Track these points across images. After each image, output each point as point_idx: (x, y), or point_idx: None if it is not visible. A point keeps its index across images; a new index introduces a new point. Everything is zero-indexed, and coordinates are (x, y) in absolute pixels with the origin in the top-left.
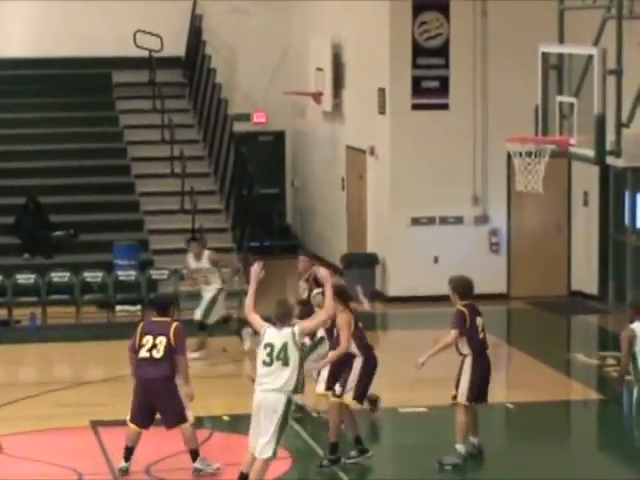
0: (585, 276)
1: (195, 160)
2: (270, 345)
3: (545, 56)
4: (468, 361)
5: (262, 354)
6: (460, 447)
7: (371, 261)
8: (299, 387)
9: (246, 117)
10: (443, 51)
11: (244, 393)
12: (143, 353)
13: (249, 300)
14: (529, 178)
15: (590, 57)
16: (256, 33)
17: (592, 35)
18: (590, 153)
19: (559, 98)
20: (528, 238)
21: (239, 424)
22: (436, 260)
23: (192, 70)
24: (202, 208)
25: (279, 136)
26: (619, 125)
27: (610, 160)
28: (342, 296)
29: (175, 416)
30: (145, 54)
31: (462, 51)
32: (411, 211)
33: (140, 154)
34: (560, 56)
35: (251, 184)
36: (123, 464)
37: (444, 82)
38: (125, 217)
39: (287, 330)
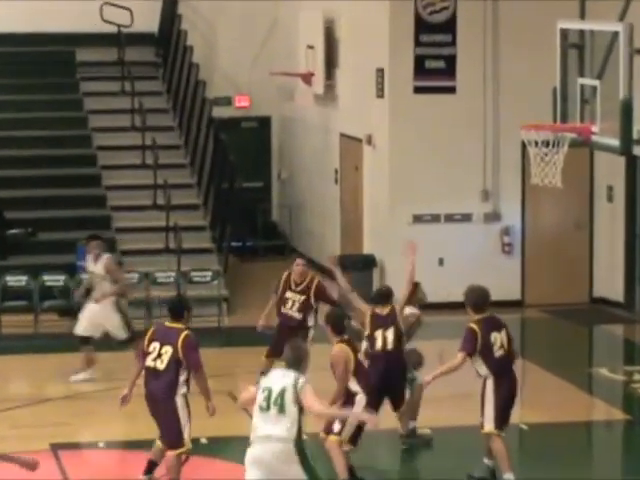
0: (609, 281)
1: (169, 149)
2: (268, 389)
3: (564, 33)
4: (489, 384)
5: (259, 398)
6: (508, 476)
7: (368, 263)
8: (300, 435)
9: (227, 101)
10: (449, 27)
11: (224, 412)
12: (149, 362)
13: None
14: (546, 170)
15: (615, 34)
16: (239, 6)
17: (617, 9)
18: (615, 142)
19: (580, 80)
20: (545, 238)
21: (219, 447)
22: (441, 262)
23: (166, 48)
24: (177, 203)
25: (264, 122)
26: None
27: (638, 150)
28: (337, 326)
29: (170, 438)
30: (113, 29)
31: (471, 27)
32: (413, 207)
33: (107, 142)
34: (581, 33)
35: (232, 177)
36: (141, 477)
37: (450, 62)
38: (90, 213)
39: (291, 376)
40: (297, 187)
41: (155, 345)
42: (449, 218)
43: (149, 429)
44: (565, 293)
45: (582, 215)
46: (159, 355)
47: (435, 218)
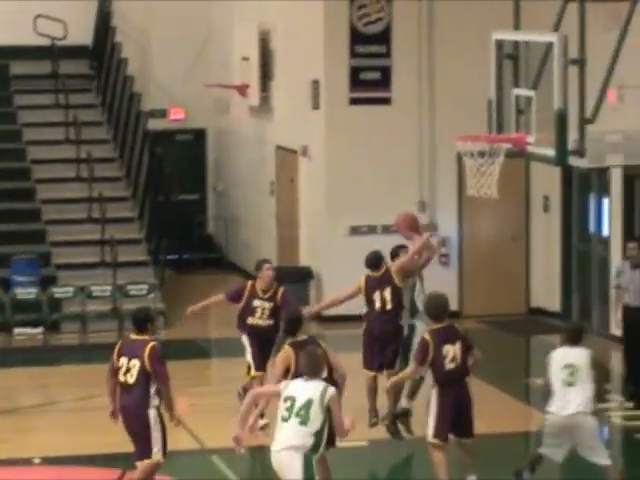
0: (546, 291)
1: (104, 162)
2: (291, 399)
3: (499, 44)
4: (434, 394)
5: (281, 407)
6: None
7: (304, 275)
8: (319, 446)
9: (162, 113)
10: (384, 38)
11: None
12: (120, 376)
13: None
14: (482, 181)
15: (549, 45)
16: (173, 18)
17: (552, 20)
18: (550, 153)
19: (515, 91)
20: (482, 249)
21: None
22: None
23: (100, 60)
24: (113, 217)
25: (199, 135)
26: (582, 121)
27: (573, 160)
28: (289, 328)
29: (141, 450)
30: (47, 42)
31: (406, 38)
32: (349, 219)
33: (41, 156)
34: (516, 44)
35: (168, 189)
36: None
37: (386, 73)
38: (24, 227)
39: (318, 387)
40: (233, 199)
41: (123, 360)
42: (386, 230)
43: (86, 444)
44: (502, 304)
45: (519, 226)
46: (128, 369)
47: (372, 229)
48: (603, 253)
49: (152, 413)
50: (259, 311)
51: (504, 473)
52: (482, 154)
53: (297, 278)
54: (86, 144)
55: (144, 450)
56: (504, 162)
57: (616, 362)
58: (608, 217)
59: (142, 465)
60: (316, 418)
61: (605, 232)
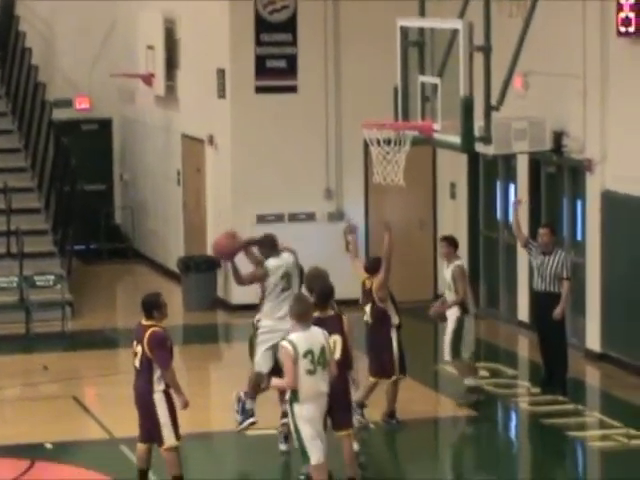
0: None
1: (9, 153)
2: (310, 352)
3: (404, 31)
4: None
5: (304, 364)
6: None
7: (212, 265)
8: None
9: (67, 103)
10: (290, 26)
11: (70, 417)
12: (133, 361)
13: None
14: (388, 169)
15: (455, 32)
16: (77, 7)
17: (457, 8)
18: (456, 140)
19: (421, 78)
20: None
21: (65, 452)
22: None
23: (3, 50)
24: (18, 207)
25: (105, 124)
26: (488, 108)
27: (479, 147)
28: (323, 299)
29: (150, 434)
30: None
31: (311, 26)
32: (256, 208)
33: None
34: (421, 31)
35: (74, 179)
36: None
37: (292, 61)
38: None
39: (319, 332)
40: (140, 189)
41: (134, 345)
42: (293, 218)
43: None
44: (410, 291)
45: (426, 213)
46: (135, 354)
47: (279, 218)
48: (510, 240)
49: (157, 397)
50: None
51: (416, 457)
52: (388, 142)
53: (204, 267)
54: None
55: (156, 435)
56: (410, 149)
57: (523, 348)
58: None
59: (163, 453)
60: (329, 359)
61: (512, 218)
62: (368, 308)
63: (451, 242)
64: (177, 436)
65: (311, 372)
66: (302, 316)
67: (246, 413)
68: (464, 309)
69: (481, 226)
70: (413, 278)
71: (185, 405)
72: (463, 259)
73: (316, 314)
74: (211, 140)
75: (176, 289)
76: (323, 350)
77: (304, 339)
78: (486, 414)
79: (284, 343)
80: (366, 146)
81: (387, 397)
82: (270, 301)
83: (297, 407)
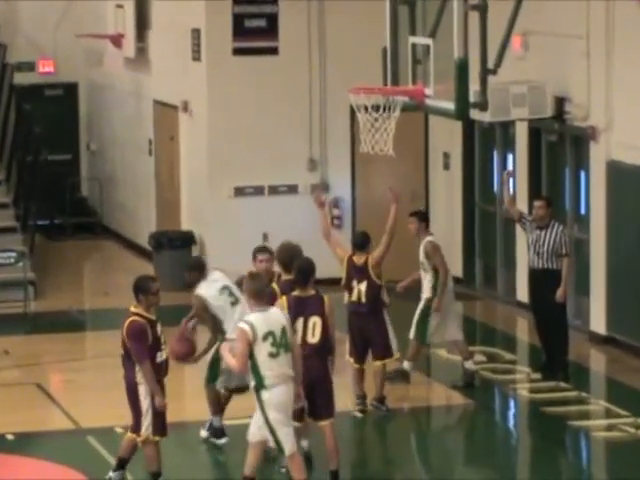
0: (447, 254)
1: None
2: (270, 334)
3: None
4: None
5: (266, 347)
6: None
7: (186, 240)
8: None
9: (30, 66)
10: None
11: (32, 406)
12: None
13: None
14: (377, 137)
15: None
16: None
17: None
18: (450, 106)
19: (412, 39)
20: (377, 210)
21: (27, 443)
22: (265, 238)
23: None
24: None
25: (71, 89)
26: (484, 72)
27: (474, 114)
28: (303, 277)
29: (135, 425)
30: None
31: None
32: (234, 179)
33: None
34: None
35: (37, 149)
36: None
37: (272, 21)
38: None
39: (278, 312)
40: (108, 159)
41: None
42: (273, 190)
43: None
44: (399, 269)
45: (417, 185)
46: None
47: (258, 190)
48: (508, 214)
49: (142, 390)
50: None
51: (407, 449)
52: (377, 108)
53: (178, 244)
54: None
55: (136, 425)
56: (401, 116)
57: (522, 330)
58: (513, 175)
59: (136, 441)
60: (291, 341)
61: (503, 191)
62: (363, 287)
63: (421, 217)
64: (159, 431)
65: (274, 355)
66: (259, 294)
67: (215, 430)
68: (435, 290)
69: (477, 199)
70: (404, 255)
71: (160, 407)
72: (437, 235)
73: (295, 293)
74: (185, 106)
75: (148, 267)
76: (284, 331)
77: (263, 320)
78: (483, 402)
79: (241, 325)
80: (353, 113)
81: (376, 381)
82: (228, 322)
83: (265, 394)
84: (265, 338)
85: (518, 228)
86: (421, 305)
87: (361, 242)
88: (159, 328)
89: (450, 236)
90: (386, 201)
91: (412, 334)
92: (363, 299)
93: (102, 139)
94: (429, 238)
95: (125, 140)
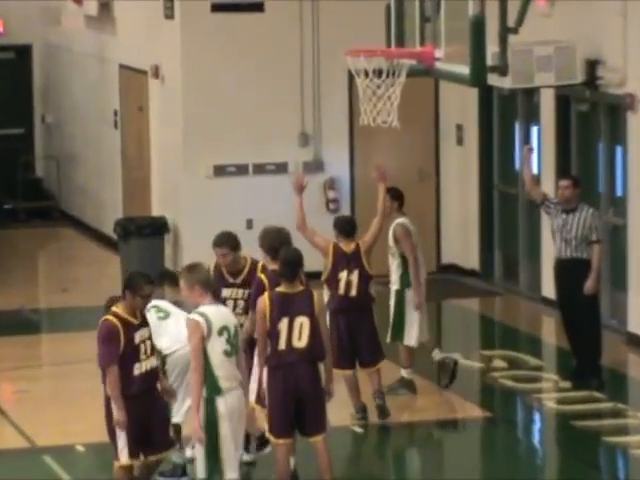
0: (461, 244)
1: None
2: (225, 329)
3: None
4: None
5: (221, 344)
6: None
7: (158, 228)
8: None
9: None
10: None
11: None
12: None
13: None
14: (379, 107)
15: None
16: None
17: None
18: (464, 70)
19: None
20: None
21: None
22: (249, 225)
23: None
24: None
25: (23, 52)
26: (504, 31)
27: (492, 80)
28: (291, 270)
29: (113, 449)
30: None
31: None
32: (213, 157)
33: None
34: None
35: None
36: None
37: None
38: None
39: (225, 309)
40: (67, 134)
41: None
42: (259, 169)
43: None
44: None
45: (427, 162)
46: None
47: (242, 170)
48: (530, 196)
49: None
50: (231, 303)
51: (414, 467)
52: (379, 73)
53: (149, 231)
54: None
55: (114, 449)
56: (407, 82)
57: (549, 331)
58: (538, 150)
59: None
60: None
61: (535, 169)
62: (354, 277)
63: (394, 195)
64: (133, 453)
65: (228, 354)
66: (209, 284)
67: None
68: (405, 280)
69: (495, 179)
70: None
71: (119, 425)
72: (449, 221)
73: (280, 289)
74: (156, 71)
75: (113, 258)
76: (237, 331)
77: (217, 313)
78: (504, 414)
79: (193, 316)
80: (351, 78)
81: (373, 378)
82: (161, 337)
83: (220, 401)
84: (220, 333)
85: (544, 213)
86: (392, 300)
87: (351, 228)
88: (141, 334)
89: (464, 222)
90: (392, 181)
91: (389, 337)
92: (353, 292)
93: (60, 110)
94: (400, 220)
95: (87, 111)
